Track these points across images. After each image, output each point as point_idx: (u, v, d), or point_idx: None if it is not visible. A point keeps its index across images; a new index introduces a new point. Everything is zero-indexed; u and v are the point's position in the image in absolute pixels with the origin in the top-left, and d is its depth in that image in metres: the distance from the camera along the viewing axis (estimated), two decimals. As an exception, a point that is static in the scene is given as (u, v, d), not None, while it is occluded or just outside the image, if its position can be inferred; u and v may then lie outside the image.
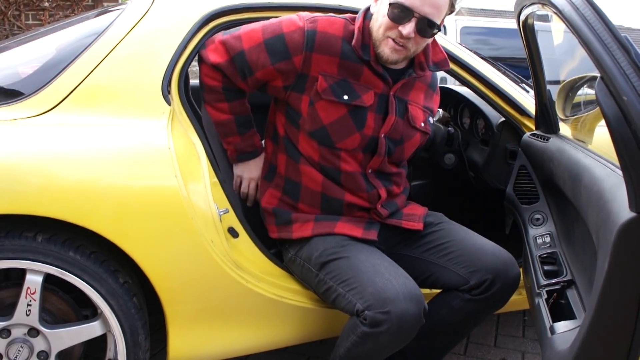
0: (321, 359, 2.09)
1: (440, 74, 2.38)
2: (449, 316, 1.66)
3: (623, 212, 1.05)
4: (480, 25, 6.99)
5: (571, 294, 1.45)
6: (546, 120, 1.85)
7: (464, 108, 2.49)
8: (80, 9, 5.30)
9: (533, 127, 1.96)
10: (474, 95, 2.13)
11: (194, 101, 1.99)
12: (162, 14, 1.71)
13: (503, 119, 2.05)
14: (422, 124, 1.74)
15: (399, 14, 1.51)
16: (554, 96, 1.84)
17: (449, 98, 2.50)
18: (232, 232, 1.65)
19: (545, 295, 1.49)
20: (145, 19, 1.68)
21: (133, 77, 1.59)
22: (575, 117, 1.83)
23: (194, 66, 2.09)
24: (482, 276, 1.61)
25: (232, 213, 1.66)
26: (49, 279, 1.46)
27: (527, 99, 2.01)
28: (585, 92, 1.82)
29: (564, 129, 1.83)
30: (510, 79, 2.09)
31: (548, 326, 1.39)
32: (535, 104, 1.89)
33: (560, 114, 1.84)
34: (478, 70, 1.95)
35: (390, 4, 1.51)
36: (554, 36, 1.85)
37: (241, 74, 1.62)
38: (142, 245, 1.47)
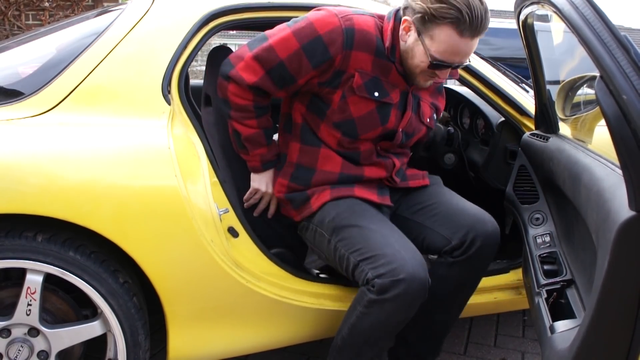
0: (321, 358, 2.08)
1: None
2: (439, 287, 1.67)
3: (623, 211, 1.05)
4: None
5: (571, 294, 1.46)
6: (546, 120, 1.85)
7: (464, 108, 2.49)
8: (80, 9, 5.29)
9: (533, 127, 1.96)
10: (474, 95, 2.14)
11: (194, 101, 1.99)
12: (162, 14, 1.71)
13: (503, 118, 2.05)
14: (428, 120, 1.81)
15: (440, 66, 1.58)
16: (554, 96, 1.85)
17: (449, 98, 2.49)
18: (232, 232, 1.65)
19: (545, 295, 1.50)
20: (145, 19, 1.68)
21: (133, 77, 1.60)
22: (575, 116, 1.84)
23: (194, 66, 2.10)
24: (463, 236, 1.67)
25: (232, 213, 1.66)
26: (49, 278, 1.46)
27: (526, 99, 2.01)
28: (585, 92, 1.82)
29: (564, 128, 1.83)
30: (510, 79, 2.09)
31: (548, 325, 1.39)
32: (535, 104, 1.89)
33: (560, 114, 1.85)
34: (478, 70, 1.96)
35: (432, 63, 1.56)
36: (554, 36, 1.85)
37: (280, 84, 1.62)
38: (142, 245, 1.47)
